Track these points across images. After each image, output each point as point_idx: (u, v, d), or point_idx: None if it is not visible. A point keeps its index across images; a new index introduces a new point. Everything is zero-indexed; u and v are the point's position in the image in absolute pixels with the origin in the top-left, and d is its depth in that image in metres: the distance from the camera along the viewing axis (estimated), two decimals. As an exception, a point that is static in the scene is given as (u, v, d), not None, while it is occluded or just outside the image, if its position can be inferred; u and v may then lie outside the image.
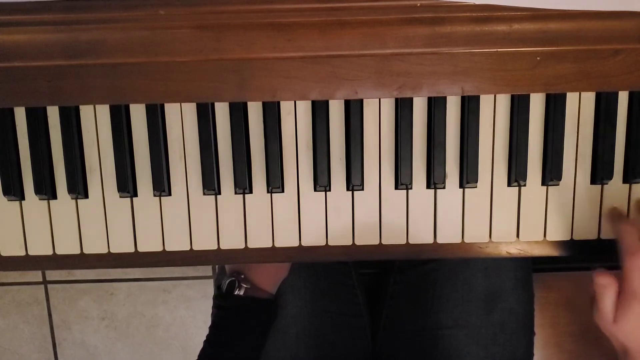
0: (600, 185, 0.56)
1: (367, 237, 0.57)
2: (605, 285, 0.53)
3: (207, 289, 1.42)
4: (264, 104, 0.54)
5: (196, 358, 0.64)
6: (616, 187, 0.56)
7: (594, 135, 0.55)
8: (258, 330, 0.67)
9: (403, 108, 0.54)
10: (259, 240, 0.57)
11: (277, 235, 0.57)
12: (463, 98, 0.54)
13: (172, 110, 0.55)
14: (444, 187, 0.56)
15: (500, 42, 0.51)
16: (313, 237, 0.57)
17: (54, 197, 0.56)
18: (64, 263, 0.58)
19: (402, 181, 0.55)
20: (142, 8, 0.51)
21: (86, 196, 0.56)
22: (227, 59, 0.52)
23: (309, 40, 0.51)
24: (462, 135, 0.55)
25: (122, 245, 0.57)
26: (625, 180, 0.56)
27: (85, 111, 0.55)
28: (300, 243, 0.57)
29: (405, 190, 0.56)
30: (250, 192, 0.56)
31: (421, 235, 0.57)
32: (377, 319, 0.81)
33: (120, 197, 0.56)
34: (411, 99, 0.54)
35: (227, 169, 0.56)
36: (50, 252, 0.57)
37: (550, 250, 0.58)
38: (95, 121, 0.55)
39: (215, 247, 0.57)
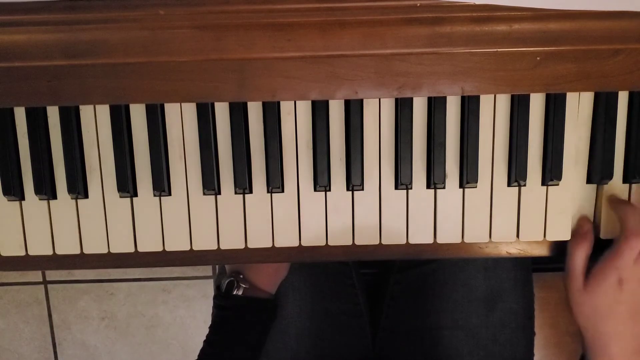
0: (600, 185, 0.56)
1: (367, 237, 0.57)
2: (584, 234, 0.54)
3: (207, 289, 1.42)
4: (264, 104, 0.54)
5: (196, 358, 0.64)
6: (616, 187, 0.56)
7: (594, 135, 0.55)
8: (257, 330, 0.67)
9: (403, 108, 0.54)
10: (259, 240, 0.57)
11: (277, 235, 0.57)
12: (463, 98, 0.54)
13: (172, 110, 0.55)
14: (444, 187, 0.56)
15: (500, 42, 0.51)
16: (313, 237, 0.57)
17: (54, 197, 0.56)
18: (64, 263, 0.58)
19: (402, 181, 0.55)
20: (142, 8, 0.51)
21: (86, 196, 0.56)
22: (227, 59, 0.52)
23: (309, 40, 0.51)
24: (462, 135, 0.55)
25: (122, 245, 0.57)
26: (625, 180, 0.56)
27: (85, 111, 0.55)
28: (300, 243, 0.57)
29: (405, 190, 0.56)
30: (250, 192, 0.56)
31: (421, 235, 0.57)
32: (377, 319, 0.81)
33: (120, 197, 0.56)
34: (411, 99, 0.54)
35: (227, 169, 0.56)
36: (50, 252, 0.57)
37: (550, 250, 0.58)
38: (95, 121, 0.55)
39: (215, 247, 0.57)
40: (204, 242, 0.57)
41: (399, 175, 0.55)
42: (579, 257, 0.54)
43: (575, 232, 0.55)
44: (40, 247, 0.57)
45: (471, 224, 0.56)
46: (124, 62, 0.52)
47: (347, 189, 0.56)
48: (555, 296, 0.79)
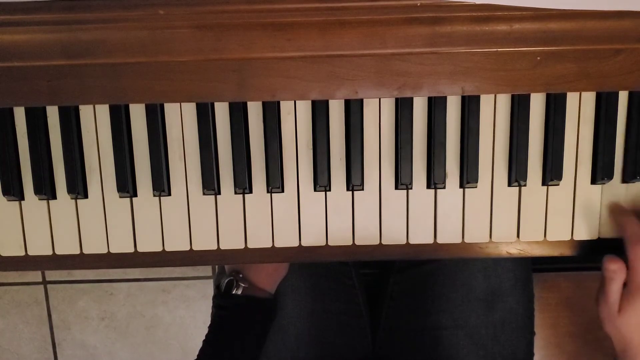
0: (600, 185, 0.56)
1: (367, 237, 0.57)
2: (615, 270, 0.54)
3: (207, 289, 1.42)
4: (264, 104, 0.54)
5: (195, 358, 0.64)
6: (616, 187, 0.56)
7: (594, 135, 0.55)
8: (256, 330, 0.67)
9: (403, 108, 0.54)
10: (259, 240, 0.57)
11: (277, 236, 0.57)
12: (463, 98, 0.54)
13: (172, 110, 0.55)
14: (444, 187, 0.56)
15: (501, 42, 0.51)
16: (313, 237, 0.57)
17: (54, 197, 0.56)
18: (63, 263, 0.58)
19: (402, 181, 0.55)
20: (142, 8, 0.51)
21: (86, 196, 0.56)
22: (227, 59, 0.52)
23: (309, 40, 0.51)
24: (462, 135, 0.55)
25: (121, 245, 0.57)
26: (624, 180, 0.56)
27: (85, 111, 0.55)
28: (300, 243, 0.57)
29: (405, 190, 0.56)
30: (250, 192, 0.56)
31: (421, 235, 0.57)
32: (377, 319, 0.81)
33: (120, 197, 0.56)
34: (411, 99, 0.54)
35: (227, 169, 0.56)
36: (50, 252, 0.57)
37: (550, 250, 0.58)
38: (95, 121, 0.55)
39: (215, 247, 0.57)
40: (204, 242, 0.57)
41: (399, 175, 0.55)
42: (616, 290, 0.54)
43: (608, 267, 0.54)
44: (40, 247, 0.57)
45: (471, 224, 0.56)
46: (124, 62, 0.52)
47: (347, 189, 0.56)
48: (555, 296, 0.79)
